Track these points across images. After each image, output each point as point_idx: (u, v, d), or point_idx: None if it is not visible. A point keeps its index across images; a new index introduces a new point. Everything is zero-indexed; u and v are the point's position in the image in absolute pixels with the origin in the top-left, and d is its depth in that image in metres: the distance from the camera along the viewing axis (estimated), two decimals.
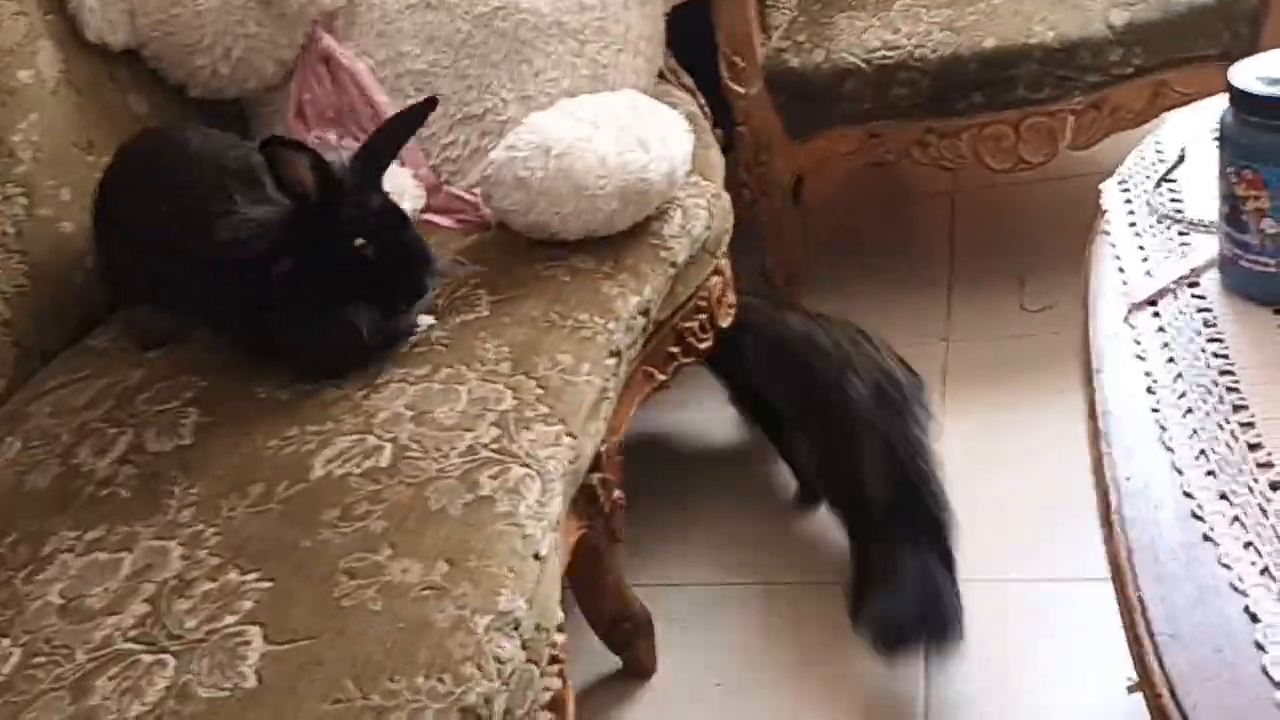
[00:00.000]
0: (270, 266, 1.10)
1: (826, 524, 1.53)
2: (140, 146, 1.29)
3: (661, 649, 1.44)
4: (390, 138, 1.17)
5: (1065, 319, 1.78)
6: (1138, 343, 0.92)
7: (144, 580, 0.95)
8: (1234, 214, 0.90)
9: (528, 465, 1.04)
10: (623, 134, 1.30)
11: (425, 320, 1.22)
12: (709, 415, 1.80)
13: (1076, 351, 0.99)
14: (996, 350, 1.78)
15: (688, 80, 1.75)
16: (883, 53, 1.70)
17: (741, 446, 1.77)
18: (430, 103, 1.20)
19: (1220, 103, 0.90)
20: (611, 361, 1.23)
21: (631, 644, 1.40)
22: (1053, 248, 1.87)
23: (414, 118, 1.19)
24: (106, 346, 1.30)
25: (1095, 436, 0.86)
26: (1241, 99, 0.87)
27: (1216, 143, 0.90)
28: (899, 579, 1.30)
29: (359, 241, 1.09)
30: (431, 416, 1.09)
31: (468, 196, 1.44)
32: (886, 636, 1.30)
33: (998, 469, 1.59)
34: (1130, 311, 0.95)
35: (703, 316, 1.46)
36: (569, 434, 1.11)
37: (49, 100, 1.36)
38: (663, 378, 1.41)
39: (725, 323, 1.50)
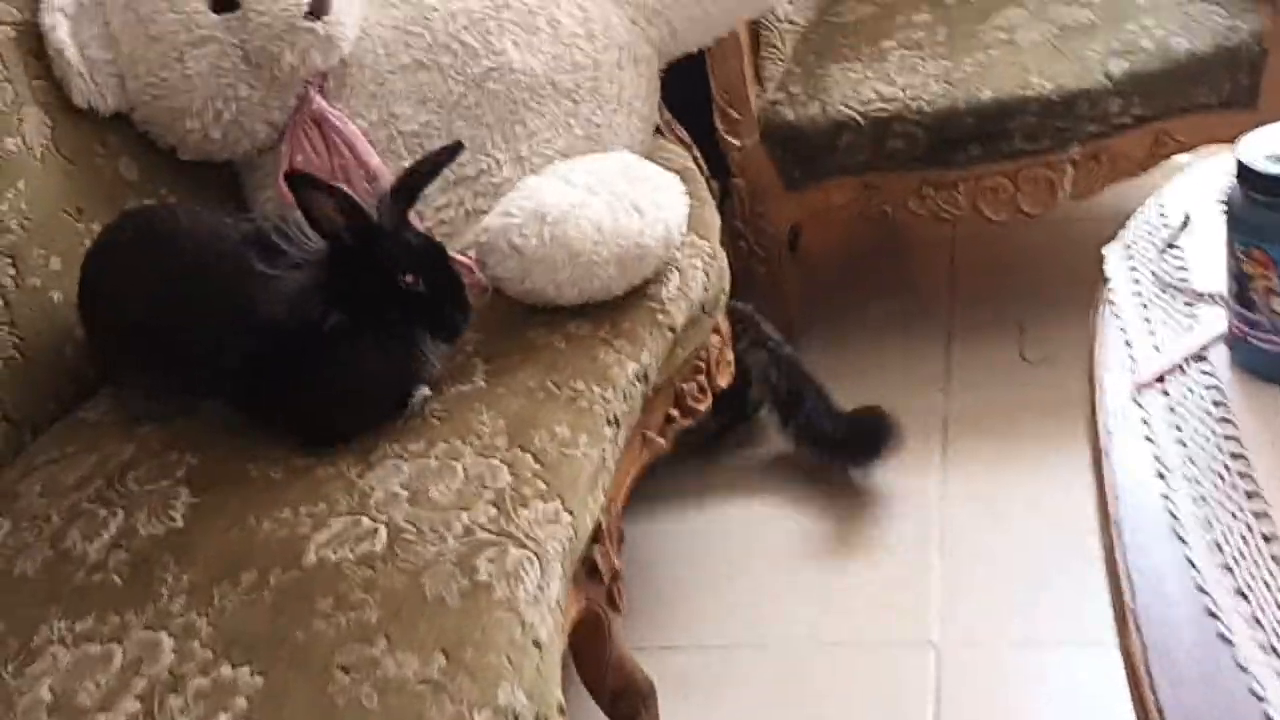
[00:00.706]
0: (318, 324, 1.10)
1: (829, 582, 1.51)
2: (125, 226, 1.27)
3: (664, 715, 1.42)
4: (417, 179, 1.17)
5: (1066, 369, 1.77)
6: (1146, 423, 0.90)
7: (136, 675, 0.93)
8: (1242, 292, 0.89)
9: (525, 546, 1.02)
10: (617, 199, 1.29)
11: (421, 391, 1.20)
12: (704, 473, 1.78)
13: (1084, 422, 0.98)
14: (997, 401, 1.77)
15: (682, 133, 1.74)
16: (878, 105, 1.70)
17: (741, 503, 1.74)
18: (457, 147, 1.20)
19: (1222, 160, 0.89)
20: (609, 431, 1.21)
21: (635, 716, 1.37)
22: (1054, 294, 1.86)
23: (440, 159, 1.19)
24: (97, 420, 1.28)
25: (1106, 524, 0.84)
26: (1249, 177, 0.86)
27: (1224, 217, 0.89)
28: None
29: (409, 278, 1.11)
30: (427, 496, 1.07)
31: (462, 259, 1.43)
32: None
33: (998, 525, 1.57)
34: (1138, 389, 0.93)
35: (701, 377, 1.45)
36: (567, 510, 1.09)
37: (36, 168, 1.34)
38: (661, 442, 1.40)
39: (724, 382, 1.49)
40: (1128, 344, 0.99)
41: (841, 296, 2.06)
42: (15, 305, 1.28)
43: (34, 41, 1.37)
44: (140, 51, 1.40)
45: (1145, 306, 1.02)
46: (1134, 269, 1.08)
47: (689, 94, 1.74)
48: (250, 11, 1.39)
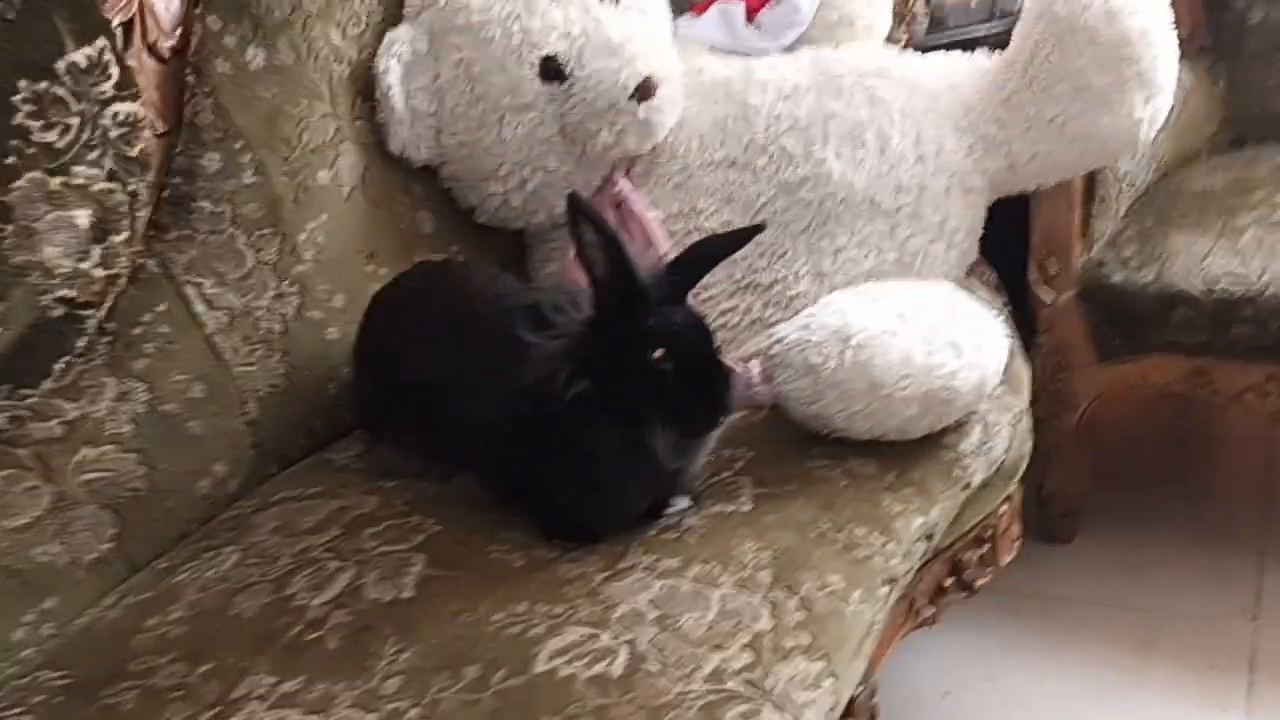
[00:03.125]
0: (562, 393, 0.99)
1: None
2: (418, 277, 1.23)
3: None
4: (705, 255, 1.04)
5: None
6: None
7: None
8: None
9: (782, 710, 0.88)
10: (933, 332, 1.15)
11: (680, 503, 1.09)
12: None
13: None
14: None
15: (991, 277, 1.59)
16: (1226, 285, 1.50)
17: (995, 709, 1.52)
18: (758, 227, 1.08)
19: None
20: (885, 590, 1.06)
21: None
22: None
23: (735, 240, 1.05)
24: (345, 464, 1.23)
25: None
26: None
27: None
28: None
29: (658, 353, 0.98)
30: (676, 623, 0.94)
31: (739, 369, 1.32)
32: None
33: None
34: None
35: (985, 549, 1.28)
36: (832, 675, 0.94)
37: (341, 205, 1.34)
38: (929, 612, 1.23)
39: (1007, 560, 1.31)
40: None
41: (1135, 482, 1.82)
42: (292, 333, 1.26)
43: (365, 82, 1.37)
44: (462, 109, 1.39)
45: None
46: None
47: (1002, 236, 1.60)
48: (576, 85, 1.35)
